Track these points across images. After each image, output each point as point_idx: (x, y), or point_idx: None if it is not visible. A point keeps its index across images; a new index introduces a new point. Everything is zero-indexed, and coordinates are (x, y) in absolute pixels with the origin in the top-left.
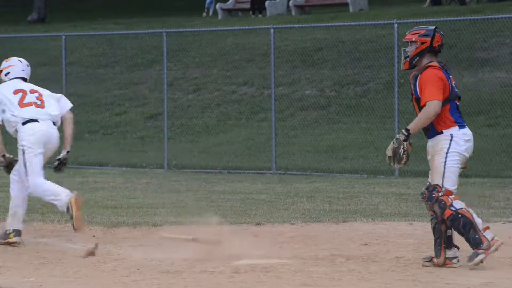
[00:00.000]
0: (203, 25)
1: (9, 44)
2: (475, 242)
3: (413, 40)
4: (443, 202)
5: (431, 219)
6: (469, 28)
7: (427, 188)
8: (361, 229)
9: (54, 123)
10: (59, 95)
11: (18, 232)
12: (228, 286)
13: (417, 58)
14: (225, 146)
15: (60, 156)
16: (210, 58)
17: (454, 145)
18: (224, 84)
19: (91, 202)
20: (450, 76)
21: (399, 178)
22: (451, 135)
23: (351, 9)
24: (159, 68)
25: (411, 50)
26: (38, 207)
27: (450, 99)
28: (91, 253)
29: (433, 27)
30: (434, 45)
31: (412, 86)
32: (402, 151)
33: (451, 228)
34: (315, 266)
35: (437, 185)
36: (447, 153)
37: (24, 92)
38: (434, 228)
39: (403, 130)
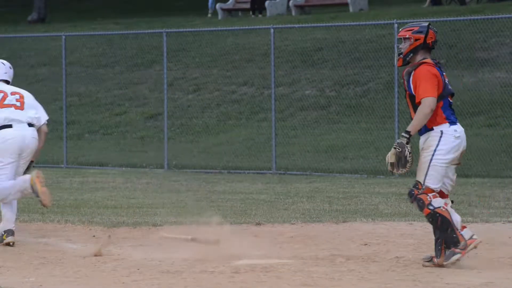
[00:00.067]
0: (203, 25)
1: (9, 44)
2: (452, 241)
3: (407, 37)
4: (421, 201)
5: None
6: (469, 28)
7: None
8: (361, 229)
9: (33, 125)
10: (39, 105)
11: (10, 232)
12: (228, 286)
13: (411, 55)
14: (225, 146)
15: None
16: (210, 58)
17: (443, 142)
18: (224, 84)
19: (91, 202)
20: (444, 73)
21: (399, 178)
22: (441, 132)
23: (351, 9)
24: (159, 68)
25: (404, 47)
26: (38, 207)
27: (443, 96)
28: (99, 252)
29: (426, 23)
30: (427, 41)
31: (405, 83)
32: (408, 154)
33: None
34: (315, 266)
35: (418, 182)
36: (434, 150)
37: (5, 93)
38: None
39: (403, 134)
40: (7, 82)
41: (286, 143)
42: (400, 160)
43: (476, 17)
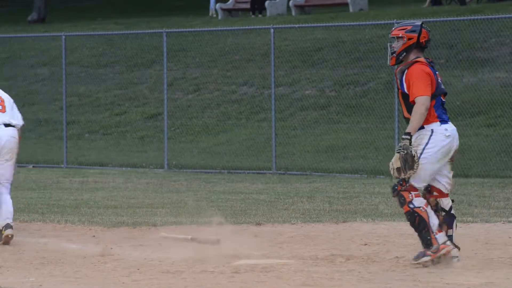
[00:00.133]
0: (203, 25)
1: (9, 44)
2: (426, 243)
3: (400, 36)
4: (403, 198)
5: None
6: (469, 28)
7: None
8: (361, 229)
9: (13, 126)
10: (17, 110)
11: (7, 226)
12: (228, 286)
13: (404, 54)
14: (225, 146)
15: None
16: (210, 58)
17: (433, 141)
18: (224, 84)
19: (91, 202)
20: (437, 72)
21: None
22: (432, 130)
23: (351, 9)
24: (159, 68)
25: (397, 45)
26: (38, 207)
27: (436, 95)
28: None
29: (419, 22)
30: (421, 41)
31: (398, 81)
32: (415, 154)
33: (452, 227)
34: (315, 266)
35: (403, 178)
36: (423, 148)
37: None
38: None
39: (404, 136)
40: None
41: (286, 143)
42: (407, 162)
43: (476, 17)
